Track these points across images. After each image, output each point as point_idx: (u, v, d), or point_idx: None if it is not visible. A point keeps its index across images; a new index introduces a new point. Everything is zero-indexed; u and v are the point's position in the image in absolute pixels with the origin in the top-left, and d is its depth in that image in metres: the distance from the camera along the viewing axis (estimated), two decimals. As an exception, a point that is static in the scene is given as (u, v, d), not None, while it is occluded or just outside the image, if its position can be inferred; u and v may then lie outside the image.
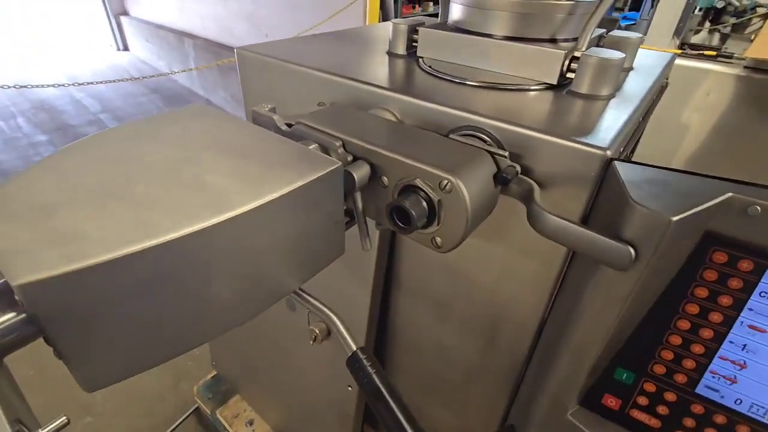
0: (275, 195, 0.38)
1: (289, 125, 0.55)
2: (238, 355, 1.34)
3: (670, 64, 0.88)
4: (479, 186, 0.46)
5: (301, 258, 0.45)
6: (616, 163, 0.46)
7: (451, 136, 0.54)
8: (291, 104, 0.78)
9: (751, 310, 0.44)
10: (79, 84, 2.82)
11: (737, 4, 2.38)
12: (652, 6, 2.40)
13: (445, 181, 0.44)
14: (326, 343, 0.92)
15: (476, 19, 0.70)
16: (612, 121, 0.54)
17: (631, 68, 0.78)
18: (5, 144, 3.81)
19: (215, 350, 1.44)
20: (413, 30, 0.78)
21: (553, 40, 0.67)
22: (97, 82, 2.94)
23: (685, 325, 0.47)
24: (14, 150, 3.71)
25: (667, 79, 0.90)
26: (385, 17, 2.96)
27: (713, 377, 0.48)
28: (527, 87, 0.65)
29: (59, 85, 2.88)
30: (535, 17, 0.65)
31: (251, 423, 1.34)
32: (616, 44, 0.75)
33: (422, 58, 0.76)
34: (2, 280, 0.30)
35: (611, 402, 0.55)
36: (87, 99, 4.79)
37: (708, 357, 0.48)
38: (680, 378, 0.50)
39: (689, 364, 0.49)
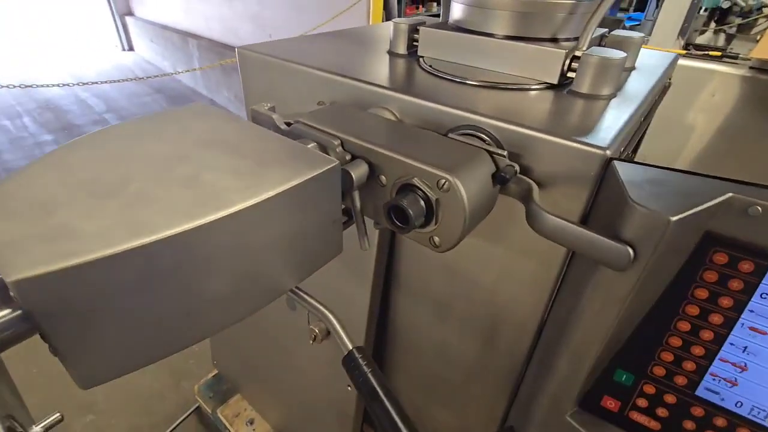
0: (271, 193, 0.38)
1: (288, 124, 0.55)
2: (239, 354, 1.35)
3: (672, 64, 0.87)
4: (477, 185, 0.46)
5: (298, 256, 0.45)
6: (616, 162, 0.46)
7: (450, 135, 0.54)
8: (292, 103, 0.78)
9: (752, 311, 0.43)
10: (84, 84, 2.84)
11: (743, 4, 2.36)
12: (657, 6, 2.39)
13: (443, 180, 0.44)
14: (326, 342, 0.92)
15: (477, 18, 0.70)
16: (612, 121, 0.54)
17: (633, 68, 0.77)
18: (11, 143, 3.84)
19: (216, 349, 1.45)
20: (414, 29, 0.78)
21: (554, 40, 0.66)
22: (101, 82, 2.96)
23: (685, 326, 0.47)
24: (20, 149, 3.74)
25: (669, 79, 0.89)
26: (388, 17, 2.96)
27: (713, 379, 0.48)
28: (528, 86, 0.65)
29: (64, 85, 2.89)
30: (536, 16, 0.65)
31: (252, 422, 1.34)
32: (618, 44, 0.75)
33: (423, 57, 0.76)
34: (-2, 277, 0.30)
35: (610, 404, 0.54)
36: (92, 99, 4.82)
37: (708, 359, 0.47)
38: (680, 380, 0.49)
39: (689, 365, 0.48)
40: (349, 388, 0.94)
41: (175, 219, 0.34)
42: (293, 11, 3.53)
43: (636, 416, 0.53)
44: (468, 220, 0.45)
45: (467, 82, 0.66)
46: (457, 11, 0.73)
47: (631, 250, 0.40)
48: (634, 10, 4.33)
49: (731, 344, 0.45)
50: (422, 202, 0.46)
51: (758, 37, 2.07)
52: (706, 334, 0.46)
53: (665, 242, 0.40)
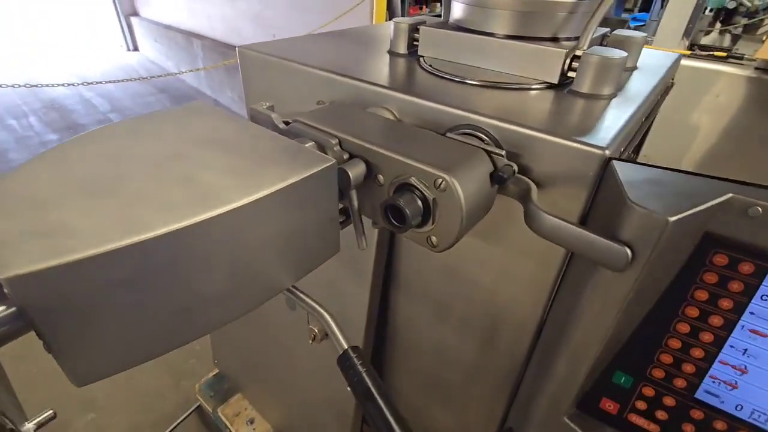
0: (267, 191, 0.38)
1: (287, 123, 0.55)
2: (240, 353, 1.35)
3: (675, 64, 0.86)
4: (475, 185, 0.46)
5: (294, 255, 0.45)
6: (615, 162, 0.45)
7: (448, 134, 0.54)
8: (292, 103, 0.78)
9: (752, 313, 0.43)
10: (88, 83, 2.85)
11: (749, 4, 2.34)
12: (662, 7, 2.37)
13: (440, 180, 0.44)
14: (325, 342, 0.92)
15: (477, 17, 0.69)
16: (612, 121, 0.53)
17: (635, 68, 0.77)
18: (17, 143, 3.87)
19: (217, 348, 1.45)
20: (414, 29, 0.78)
21: (554, 39, 0.66)
22: (105, 82, 2.97)
23: (684, 328, 0.46)
24: (26, 149, 3.76)
25: (672, 79, 0.89)
26: (391, 18, 2.96)
27: (713, 382, 0.47)
28: (528, 86, 0.64)
29: (69, 85, 2.91)
30: (537, 16, 0.65)
31: (252, 422, 1.34)
32: (620, 43, 0.74)
33: (423, 57, 0.76)
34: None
35: (609, 406, 0.54)
36: (96, 98, 4.85)
37: (708, 361, 0.47)
38: (679, 382, 0.49)
39: (689, 368, 0.48)
40: (349, 388, 0.93)
41: (170, 217, 0.33)
42: (296, 11, 3.54)
43: (635, 419, 0.53)
44: (465, 219, 0.45)
45: (467, 81, 0.66)
46: (457, 11, 0.73)
47: (629, 251, 0.40)
48: (639, 11, 4.31)
49: (731, 347, 0.45)
50: (419, 202, 0.46)
51: (764, 38, 2.05)
52: (706, 336, 0.46)
53: (664, 243, 0.40)
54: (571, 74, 0.63)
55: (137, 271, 0.33)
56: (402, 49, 0.79)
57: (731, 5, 2.35)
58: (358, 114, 0.58)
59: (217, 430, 1.46)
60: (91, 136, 0.45)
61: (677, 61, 0.87)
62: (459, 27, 0.72)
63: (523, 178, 0.50)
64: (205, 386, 1.47)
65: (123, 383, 1.72)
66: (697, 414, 0.49)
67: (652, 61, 0.82)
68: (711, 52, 1.92)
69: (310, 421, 1.19)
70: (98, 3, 6.63)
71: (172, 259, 0.34)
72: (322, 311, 0.46)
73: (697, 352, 0.47)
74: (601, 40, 0.75)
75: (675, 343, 0.48)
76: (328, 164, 0.42)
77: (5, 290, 0.31)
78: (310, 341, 0.91)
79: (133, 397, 1.67)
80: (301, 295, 0.47)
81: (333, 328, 0.44)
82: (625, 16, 4.02)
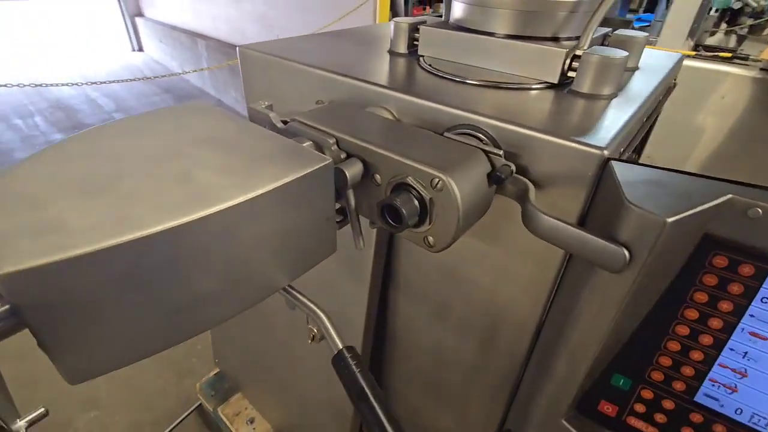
0: (262, 190, 0.38)
1: (285, 122, 0.55)
2: (240, 353, 1.35)
3: (678, 65, 0.86)
4: (472, 185, 0.46)
5: (290, 255, 0.45)
6: (613, 162, 0.45)
7: (446, 134, 0.54)
8: (292, 102, 0.78)
9: (752, 316, 0.42)
10: (92, 83, 2.87)
11: (755, 5, 2.32)
12: (667, 8, 2.35)
13: (437, 179, 0.44)
14: (324, 342, 0.92)
15: (477, 17, 0.69)
16: (612, 121, 0.53)
17: (636, 68, 0.76)
18: (23, 142, 3.90)
19: (218, 347, 1.45)
20: (414, 29, 0.77)
21: (555, 39, 0.66)
22: (110, 82, 2.99)
23: (683, 330, 0.46)
24: (32, 148, 3.79)
25: (675, 79, 0.88)
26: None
27: (713, 385, 0.47)
28: (528, 86, 0.64)
29: (73, 84, 2.93)
30: (537, 15, 0.64)
31: (252, 421, 1.35)
32: (622, 43, 0.74)
33: (423, 56, 0.75)
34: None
35: (608, 408, 0.53)
36: (102, 98, 4.88)
37: (707, 364, 0.46)
38: (679, 385, 0.48)
39: (688, 371, 0.47)
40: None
41: (164, 215, 0.33)
42: (300, 12, 3.55)
43: (633, 422, 0.52)
44: (462, 220, 0.45)
45: (467, 81, 0.66)
46: (457, 10, 0.73)
47: (626, 252, 0.39)
48: (644, 12, 4.28)
49: (731, 349, 0.44)
50: (416, 202, 0.46)
51: (770, 38, 2.03)
52: (705, 339, 0.45)
53: (661, 244, 0.39)
54: (571, 74, 0.63)
55: (131, 269, 0.33)
56: (402, 48, 0.79)
57: (737, 5, 2.34)
58: (356, 113, 0.58)
59: (217, 430, 1.46)
60: (89, 134, 0.45)
61: (680, 61, 0.87)
62: (459, 27, 0.72)
63: (521, 178, 0.50)
64: (205, 385, 1.47)
65: (125, 381, 1.72)
66: (696, 417, 0.48)
67: (654, 62, 0.81)
68: (716, 53, 1.91)
69: (310, 420, 1.19)
70: (104, 4, 6.68)
71: (166, 258, 0.34)
72: (318, 311, 0.46)
73: (697, 355, 0.46)
74: (603, 40, 0.75)
75: (674, 346, 0.47)
76: (324, 163, 0.42)
77: (-1, 288, 0.31)
78: (310, 341, 0.91)
79: (135, 396, 1.68)
80: (297, 295, 0.47)
81: (328, 328, 0.44)
82: (629, 16, 3.99)
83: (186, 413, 1.57)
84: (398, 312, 0.85)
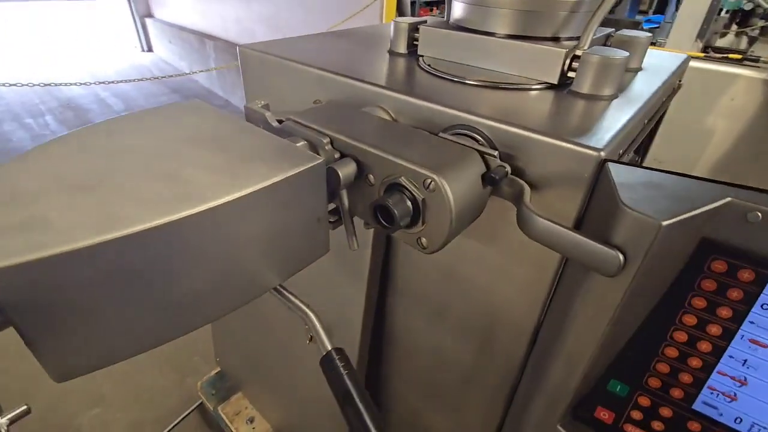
0: (250, 189, 0.38)
1: (281, 122, 0.55)
2: (240, 352, 1.35)
3: (683, 66, 0.84)
4: (465, 186, 0.45)
5: (280, 254, 0.44)
6: (610, 164, 0.44)
7: (441, 134, 0.53)
8: (291, 101, 0.78)
9: (752, 323, 0.41)
10: (101, 83, 2.90)
11: (766, 6, 2.28)
12: (677, 9, 2.32)
13: (429, 180, 0.43)
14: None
15: (477, 17, 0.68)
16: (610, 122, 0.52)
17: (639, 68, 0.75)
18: (33, 141, 3.95)
19: (219, 346, 1.46)
20: (414, 28, 0.77)
21: (555, 39, 0.65)
22: (118, 81, 3.02)
23: (681, 337, 0.45)
24: (41, 146, 3.83)
25: (680, 80, 0.87)
26: (401, 19, 2.95)
27: (711, 393, 0.45)
28: (528, 86, 0.63)
29: (82, 84, 2.97)
30: (537, 15, 0.64)
31: (252, 420, 1.35)
32: (624, 44, 0.73)
33: (422, 56, 0.75)
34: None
35: (604, 415, 0.52)
36: (111, 98, 4.93)
37: (706, 372, 0.45)
38: (676, 392, 0.47)
39: (686, 378, 0.46)
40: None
41: (149, 213, 0.33)
42: (308, 13, 3.56)
43: (630, 429, 0.51)
44: (454, 221, 0.44)
45: (465, 81, 0.65)
46: (457, 10, 0.72)
47: (621, 256, 0.38)
48: (654, 13, 4.23)
49: (730, 357, 0.43)
50: (408, 202, 0.45)
51: (781, 40, 2.00)
52: (704, 346, 0.44)
53: (657, 248, 0.38)
54: (571, 74, 0.62)
55: (115, 267, 0.33)
56: (402, 48, 0.79)
57: (748, 7, 2.30)
58: (351, 113, 0.58)
59: (218, 428, 1.47)
60: (82, 132, 0.45)
61: (685, 62, 0.85)
62: (459, 27, 0.72)
63: (517, 179, 0.49)
64: (206, 384, 1.47)
65: (128, 379, 1.73)
66: (694, 426, 0.47)
67: (659, 62, 0.80)
68: (726, 55, 1.88)
69: (309, 421, 1.19)
70: (114, 4, 6.76)
71: (152, 256, 0.34)
72: (308, 311, 0.45)
73: (695, 362, 0.45)
74: (605, 41, 0.74)
75: (672, 352, 0.46)
76: (314, 163, 0.42)
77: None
78: (308, 341, 0.90)
79: (138, 394, 1.69)
80: (288, 295, 0.47)
81: (318, 329, 0.44)
82: (639, 17, 3.95)
83: (187, 412, 1.57)
84: (396, 313, 0.84)
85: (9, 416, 0.28)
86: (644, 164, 1.02)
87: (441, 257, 0.69)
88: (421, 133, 0.53)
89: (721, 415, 0.46)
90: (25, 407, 0.28)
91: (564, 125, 0.52)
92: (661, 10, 4.06)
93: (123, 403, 1.65)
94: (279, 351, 1.15)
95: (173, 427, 1.53)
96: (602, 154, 0.45)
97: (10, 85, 2.97)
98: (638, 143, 0.62)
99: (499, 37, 0.66)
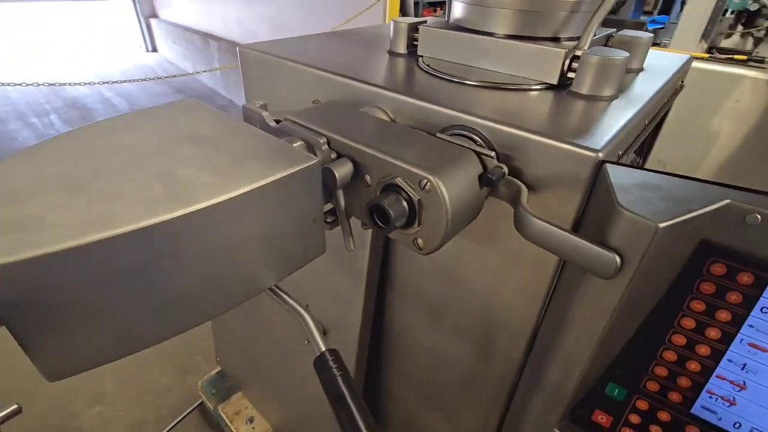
0: (244, 189, 0.37)
1: (278, 122, 0.55)
2: (241, 352, 1.35)
3: (685, 66, 0.84)
4: (461, 186, 0.45)
5: (275, 255, 0.44)
6: (607, 165, 0.44)
7: (439, 135, 0.53)
8: (290, 101, 0.78)
9: (751, 326, 0.41)
10: (105, 82, 2.92)
11: (772, 6, 2.26)
12: (682, 9, 2.31)
13: (425, 180, 0.43)
14: (321, 343, 0.91)
15: (477, 17, 0.68)
16: (609, 123, 0.51)
17: (640, 69, 0.74)
18: (38, 140, 3.98)
19: (220, 346, 1.46)
20: (414, 29, 0.77)
21: (555, 39, 0.64)
22: (122, 81, 3.04)
23: (680, 340, 0.44)
24: (45, 146, 3.86)
25: (682, 81, 0.86)
26: (404, 20, 2.95)
27: (710, 397, 0.45)
28: (527, 87, 0.63)
29: (87, 83, 2.98)
30: (537, 15, 0.63)
31: (251, 420, 1.35)
32: (625, 44, 0.72)
33: (422, 57, 0.75)
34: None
35: (602, 418, 0.52)
36: (116, 98, 4.95)
37: (704, 375, 0.44)
38: (675, 396, 0.47)
39: (684, 382, 0.46)
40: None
41: (141, 213, 0.33)
42: (311, 13, 3.56)
43: (628, 433, 0.51)
44: (450, 222, 0.44)
45: (465, 81, 0.65)
46: (457, 10, 0.72)
47: (617, 258, 0.38)
48: (659, 13, 4.21)
49: (729, 361, 0.43)
50: (404, 203, 0.45)
51: (787, 41, 1.98)
52: (703, 349, 0.44)
53: (654, 250, 0.38)
54: (571, 75, 0.61)
55: (107, 267, 0.33)
56: (401, 48, 0.78)
57: (753, 7, 2.28)
58: (348, 113, 0.58)
59: (218, 428, 1.47)
60: (77, 132, 0.45)
61: (687, 63, 0.85)
62: (459, 27, 0.71)
63: (514, 180, 0.48)
64: (207, 384, 1.48)
65: (130, 378, 1.74)
66: (692, 430, 0.47)
67: (660, 63, 0.79)
68: (730, 56, 1.87)
69: (308, 421, 1.18)
70: (119, 5, 6.80)
71: (142, 256, 0.34)
72: (303, 312, 0.45)
73: (694, 366, 0.45)
74: (606, 41, 0.73)
75: (670, 356, 0.45)
76: (310, 163, 0.42)
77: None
78: (306, 342, 0.90)
79: (140, 392, 1.69)
80: (283, 295, 0.46)
81: (312, 329, 0.43)
82: (643, 18, 3.93)
83: (187, 411, 1.57)
84: (395, 313, 0.84)
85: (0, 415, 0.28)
86: (647, 165, 1.01)
87: (440, 258, 0.69)
88: (418, 134, 0.53)
89: (720, 419, 0.45)
90: (15, 407, 0.28)
91: (562, 126, 0.51)
92: (666, 10, 4.04)
93: (124, 401, 1.66)
94: (279, 351, 1.15)
95: (174, 426, 1.53)
96: (600, 155, 0.44)
97: (16, 84, 3.00)
98: (638, 144, 0.62)
99: (499, 37, 0.65)
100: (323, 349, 0.41)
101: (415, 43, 0.77)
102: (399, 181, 0.45)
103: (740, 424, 0.44)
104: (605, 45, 0.73)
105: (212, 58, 5.06)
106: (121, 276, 0.33)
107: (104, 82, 2.89)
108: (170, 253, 0.35)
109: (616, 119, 0.53)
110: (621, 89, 0.63)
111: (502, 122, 0.51)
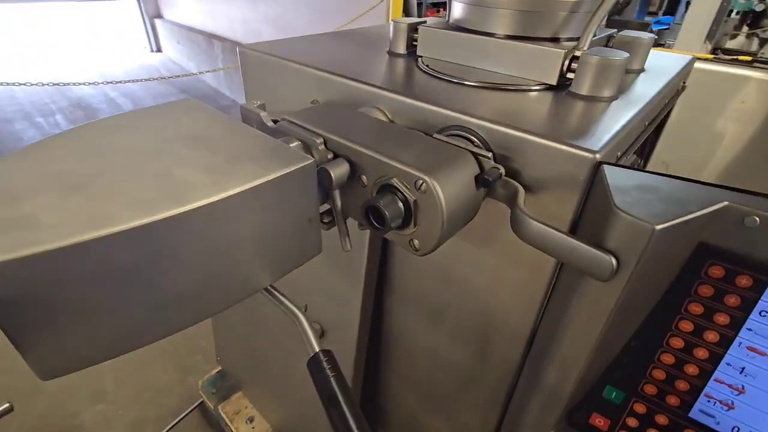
0: (238, 189, 0.37)
1: (276, 122, 0.55)
2: (241, 352, 1.35)
3: (687, 67, 0.83)
4: (457, 187, 0.44)
5: (271, 255, 0.44)
6: (605, 166, 0.43)
7: (436, 135, 0.53)
8: (290, 102, 0.78)
9: (750, 330, 0.40)
10: (109, 83, 2.93)
11: (778, 7, 2.25)
12: (687, 10, 2.29)
13: (420, 181, 0.43)
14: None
15: (476, 17, 0.68)
16: (608, 124, 0.51)
17: (642, 70, 0.74)
18: (43, 139, 4.00)
19: (220, 346, 1.46)
20: (413, 29, 0.76)
21: (555, 40, 0.64)
22: (125, 81, 3.05)
23: (678, 343, 0.44)
24: (50, 145, 3.88)
25: (684, 82, 0.85)
26: (407, 20, 2.95)
27: (708, 401, 0.44)
28: (526, 87, 0.63)
29: (90, 84, 3.00)
30: (537, 15, 0.63)
31: (251, 420, 1.35)
32: (626, 45, 0.72)
33: (421, 57, 0.74)
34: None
35: (599, 422, 0.52)
36: (120, 98, 4.98)
37: (703, 379, 0.44)
38: (673, 400, 0.46)
39: (682, 385, 0.45)
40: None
41: (136, 212, 0.33)
42: (315, 13, 3.57)
43: (626, 436, 0.50)
44: (446, 223, 0.43)
45: (464, 82, 0.65)
46: (457, 10, 0.72)
47: (614, 260, 0.38)
48: (664, 14, 4.18)
49: (728, 364, 0.42)
50: (400, 204, 0.45)
51: (793, 42, 1.97)
52: (701, 353, 0.43)
53: (651, 252, 0.38)
54: (570, 75, 0.61)
55: (101, 266, 0.33)
56: (401, 49, 0.78)
57: (759, 8, 2.26)
58: (346, 114, 0.58)
59: (218, 427, 1.47)
60: (75, 131, 0.45)
61: (690, 63, 0.84)
62: (458, 27, 0.71)
63: (511, 181, 0.48)
64: (207, 383, 1.48)
65: (131, 376, 1.75)
66: (691, 434, 0.46)
67: (662, 64, 0.79)
68: (735, 57, 1.85)
69: (308, 421, 1.18)
70: (124, 5, 6.84)
71: (137, 255, 0.34)
72: (297, 312, 0.45)
73: (692, 369, 0.44)
74: (607, 41, 0.73)
75: (668, 359, 0.45)
76: (305, 163, 0.42)
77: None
78: (305, 342, 0.90)
79: (141, 391, 1.70)
80: (278, 296, 0.46)
81: (306, 330, 0.43)
82: (648, 19, 3.91)
83: (188, 410, 1.58)
84: (393, 314, 0.84)
85: (-9, 414, 0.28)
86: (650, 166, 1.00)
87: (438, 259, 0.69)
88: (416, 134, 0.52)
89: (719, 423, 0.44)
90: (7, 405, 0.28)
91: (560, 127, 0.51)
92: (671, 11, 4.02)
93: (125, 400, 1.67)
94: (279, 351, 1.15)
95: (174, 425, 1.54)
96: (597, 156, 0.44)
97: (21, 84, 3.02)
98: (638, 145, 0.61)
99: (499, 38, 0.65)
100: (317, 349, 0.41)
101: (414, 43, 0.77)
102: (395, 181, 0.45)
103: (739, 429, 0.44)
104: (606, 46, 0.73)
105: (216, 58, 5.08)
106: (115, 275, 0.33)
107: (109, 82, 2.91)
108: (164, 252, 0.35)
109: (614, 120, 0.52)
110: (621, 90, 0.62)
111: (499, 123, 0.50)
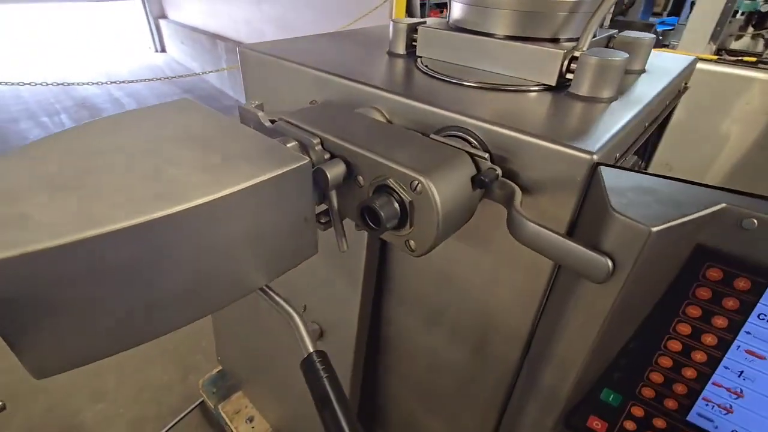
0: (233, 189, 0.37)
1: (273, 122, 0.55)
2: (241, 351, 1.36)
3: (689, 68, 0.82)
4: (453, 188, 0.44)
5: (266, 255, 0.44)
6: (602, 168, 0.43)
7: (433, 136, 0.52)
8: (290, 102, 0.78)
9: (748, 333, 0.40)
10: (113, 82, 2.95)
11: (783, 8, 2.23)
12: (692, 11, 2.28)
13: (416, 182, 0.42)
14: (319, 344, 0.91)
15: (476, 17, 0.68)
16: (607, 125, 0.51)
17: (642, 70, 0.73)
18: (47, 139, 4.02)
19: (220, 345, 1.46)
20: (413, 29, 0.76)
21: (554, 40, 0.64)
22: (129, 81, 3.07)
23: (675, 346, 0.44)
24: (55, 144, 3.90)
25: (686, 83, 0.85)
26: (409, 21, 2.95)
27: (707, 405, 0.44)
28: (525, 88, 0.62)
29: (95, 83, 3.02)
30: (536, 16, 0.63)
31: (251, 420, 1.35)
32: (627, 45, 0.71)
33: (421, 57, 0.74)
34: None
35: (597, 424, 0.51)
36: (125, 98, 5.01)
37: (701, 382, 0.44)
38: (670, 403, 0.46)
39: (680, 388, 0.45)
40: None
41: (128, 212, 0.33)
42: (317, 14, 3.57)
43: (623, 439, 0.50)
44: (442, 224, 0.43)
45: (463, 82, 0.64)
46: (456, 11, 0.71)
47: (609, 262, 0.37)
48: (668, 15, 4.16)
49: (726, 368, 0.42)
50: (396, 204, 0.45)
51: (798, 43, 1.95)
52: (699, 356, 0.43)
53: (647, 254, 0.37)
54: (569, 76, 0.60)
55: (94, 265, 0.33)
56: (401, 49, 0.78)
57: (765, 8, 2.25)
58: (343, 114, 0.57)
59: (218, 427, 1.47)
60: (71, 131, 0.45)
61: (692, 64, 0.83)
62: (458, 27, 0.71)
63: (508, 182, 0.48)
64: (207, 382, 1.48)
65: (132, 375, 1.75)
66: (688, 438, 0.46)
67: (664, 64, 0.78)
68: (740, 57, 1.84)
69: (307, 421, 1.18)
70: (129, 6, 6.87)
71: (130, 255, 0.34)
72: (293, 313, 0.45)
73: (690, 372, 0.44)
74: (607, 42, 0.73)
75: (666, 362, 0.45)
76: (300, 163, 0.42)
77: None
78: (304, 342, 0.90)
79: (142, 390, 1.71)
80: (274, 296, 0.46)
81: (301, 330, 0.43)
82: (652, 19, 3.89)
83: (188, 410, 1.58)
84: (392, 314, 0.84)
85: (-17, 412, 0.28)
86: (652, 168, 0.99)
87: (436, 260, 0.68)
88: (412, 135, 0.52)
89: (717, 428, 0.44)
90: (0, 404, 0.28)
91: (558, 128, 0.51)
92: (675, 12, 3.99)
93: (126, 399, 1.67)
94: (279, 351, 1.15)
95: (174, 424, 1.54)
96: (595, 157, 0.44)
97: (26, 84, 3.04)
98: (638, 146, 0.61)
99: (498, 38, 0.65)
100: (311, 350, 0.41)
101: (414, 43, 0.76)
102: (391, 182, 0.45)
103: (737, 433, 0.43)
104: (606, 46, 0.73)
105: (220, 58, 5.09)
106: (108, 274, 0.33)
107: (113, 82, 2.93)
108: (158, 252, 0.35)
109: (613, 121, 0.52)
110: (621, 91, 0.62)
111: (497, 123, 0.50)
